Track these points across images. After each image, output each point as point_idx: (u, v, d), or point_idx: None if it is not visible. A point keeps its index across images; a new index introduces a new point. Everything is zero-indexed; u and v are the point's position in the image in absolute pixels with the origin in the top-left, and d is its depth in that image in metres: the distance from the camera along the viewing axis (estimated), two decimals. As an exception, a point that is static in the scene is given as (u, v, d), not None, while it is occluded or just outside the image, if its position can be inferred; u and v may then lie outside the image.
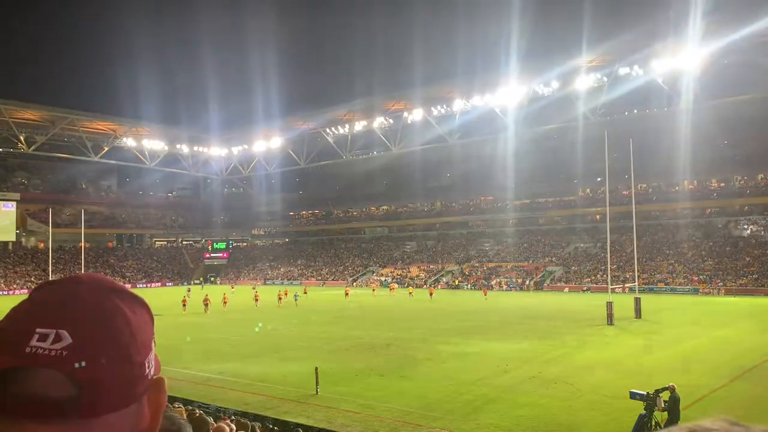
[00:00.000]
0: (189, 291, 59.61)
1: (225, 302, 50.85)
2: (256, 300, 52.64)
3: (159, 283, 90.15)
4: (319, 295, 63.80)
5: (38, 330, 0.71)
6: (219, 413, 14.71)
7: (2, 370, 0.70)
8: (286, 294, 55.68)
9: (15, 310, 0.75)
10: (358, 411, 17.06)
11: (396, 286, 71.03)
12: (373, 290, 68.46)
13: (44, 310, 0.73)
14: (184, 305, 47.96)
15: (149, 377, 0.78)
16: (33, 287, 0.84)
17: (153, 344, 0.81)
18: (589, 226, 77.81)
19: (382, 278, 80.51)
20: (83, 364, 0.70)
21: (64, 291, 0.75)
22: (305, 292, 60.83)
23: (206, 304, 47.94)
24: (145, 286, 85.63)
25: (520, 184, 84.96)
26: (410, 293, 62.54)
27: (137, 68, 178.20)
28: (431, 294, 59.79)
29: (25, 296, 0.77)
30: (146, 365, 0.78)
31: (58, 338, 0.70)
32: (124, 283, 77.89)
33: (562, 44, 65.41)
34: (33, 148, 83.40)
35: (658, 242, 70.32)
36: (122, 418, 0.74)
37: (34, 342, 0.70)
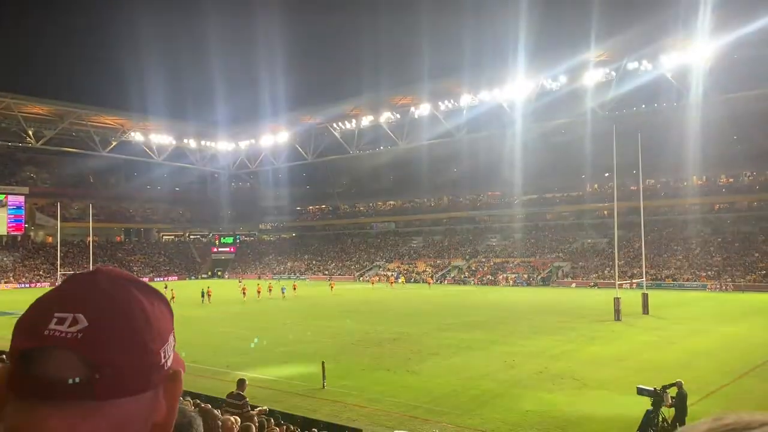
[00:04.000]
0: (166, 287, 60.10)
1: (244, 292, 54.10)
2: (259, 293, 54.92)
3: (176, 277, 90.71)
4: (311, 290, 63.92)
5: (57, 314, 0.74)
6: (227, 407, 14.76)
7: (22, 351, 0.73)
8: (270, 289, 57.32)
9: (39, 299, 0.79)
10: (364, 405, 17.10)
11: (394, 280, 74.05)
12: (371, 284, 71.67)
13: (64, 296, 0.77)
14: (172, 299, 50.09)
15: (166, 368, 0.80)
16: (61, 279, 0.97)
17: (172, 337, 0.83)
18: (596, 222, 77.53)
19: (389, 273, 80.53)
20: (98, 346, 0.72)
21: (83, 280, 0.79)
22: (294, 288, 60.94)
23: (208, 295, 50.39)
24: (162, 279, 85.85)
25: (527, 179, 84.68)
26: (402, 283, 71.58)
27: (145, 63, 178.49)
28: (429, 284, 68.66)
29: (33, 290, 1.22)
30: (162, 354, 0.79)
31: (74, 321, 0.73)
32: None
33: (570, 38, 65.04)
34: (41, 142, 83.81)
35: (666, 238, 70.00)
36: (137, 404, 0.75)
37: (52, 325, 0.73)
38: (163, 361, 0.79)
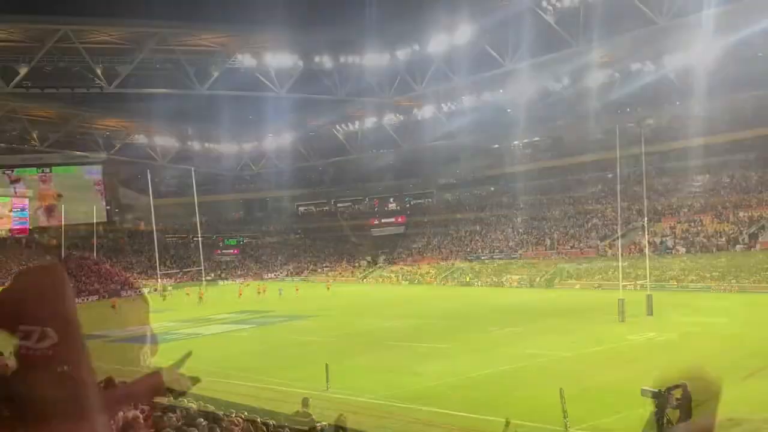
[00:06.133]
0: (156, 290, 61.90)
1: (240, 294, 55.80)
2: (258, 293, 57.27)
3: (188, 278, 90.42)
4: (312, 292, 64.05)
5: (21, 327, 0.70)
6: (230, 409, 14.78)
7: None
8: (264, 290, 59.11)
9: None
10: (368, 407, 17.09)
11: (397, 280, 76.24)
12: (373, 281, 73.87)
13: (21, 305, 0.71)
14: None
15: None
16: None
17: None
18: (600, 223, 77.21)
19: (392, 275, 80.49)
20: (67, 365, 0.69)
21: (35, 283, 0.74)
22: (297, 290, 61.72)
23: (200, 298, 52.25)
24: (172, 281, 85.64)
25: (532, 180, 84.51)
26: (396, 282, 74.32)
27: (146, 64, 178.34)
28: (430, 283, 72.08)
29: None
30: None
31: (43, 336, 0.69)
32: (137, 278, 78.42)
33: (573, 40, 64.52)
34: (45, 145, 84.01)
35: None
36: (111, 415, 0.87)
37: (20, 341, 0.70)
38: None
